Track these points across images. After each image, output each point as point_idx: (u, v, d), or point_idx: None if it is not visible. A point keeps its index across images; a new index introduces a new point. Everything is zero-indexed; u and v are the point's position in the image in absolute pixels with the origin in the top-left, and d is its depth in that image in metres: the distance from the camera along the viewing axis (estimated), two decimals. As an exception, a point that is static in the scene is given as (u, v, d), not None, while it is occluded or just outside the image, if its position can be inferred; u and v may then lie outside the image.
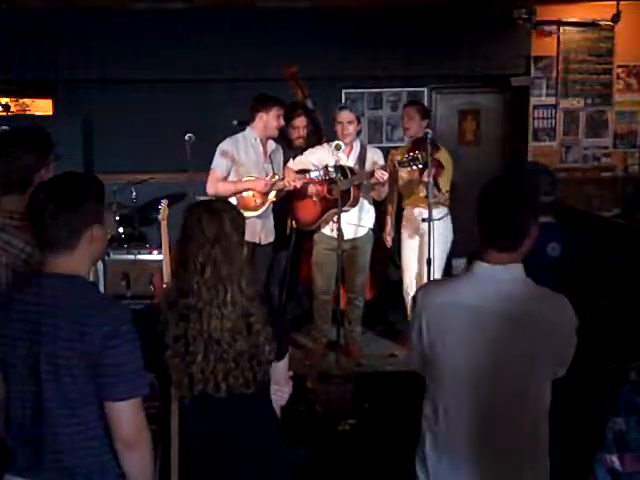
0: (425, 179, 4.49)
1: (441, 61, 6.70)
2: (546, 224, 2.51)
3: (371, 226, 4.94)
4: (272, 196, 4.72)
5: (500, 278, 2.01)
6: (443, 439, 2.07)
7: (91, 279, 2.11)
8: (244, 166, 4.67)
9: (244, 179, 4.65)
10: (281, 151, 4.91)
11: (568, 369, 2.08)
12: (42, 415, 1.88)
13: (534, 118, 7.02)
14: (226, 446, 2.10)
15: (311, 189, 4.82)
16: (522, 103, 7.05)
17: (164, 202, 4.28)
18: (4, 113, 6.62)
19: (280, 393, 2.28)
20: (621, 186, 6.96)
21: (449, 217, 4.93)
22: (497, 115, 7.31)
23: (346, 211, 4.68)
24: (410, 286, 4.98)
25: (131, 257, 5.55)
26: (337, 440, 3.77)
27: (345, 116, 4.74)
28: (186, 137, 4.68)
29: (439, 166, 4.66)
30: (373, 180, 4.63)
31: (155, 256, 5.43)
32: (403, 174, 4.90)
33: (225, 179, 4.66)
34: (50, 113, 6.73)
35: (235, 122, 5.03)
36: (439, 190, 4.68)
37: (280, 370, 2.23)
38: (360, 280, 4.99)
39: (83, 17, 6.29)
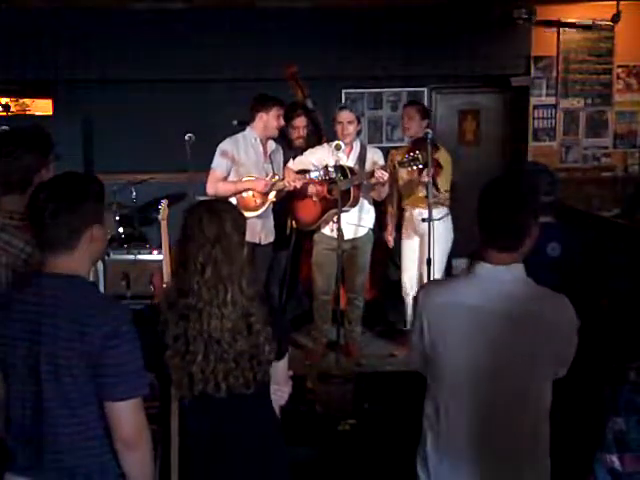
0: (424, 179, 4.50)
1: (441, 61, 6.70)
2: (546, 224, 2.51)
3: (371, 226, 4.93)
4: (272, 196, 4.72)
5: (503, 279, 2.01)
6: (444, 439, 2.08)
7: (91, 279, 2.11)
8: (244, 166, 4.67)
9: (244, 179, 4.65)
10: (281, 151, 4.91)
11: (569, 369, 2.08)
12: (42, 415, 1.88)
13: (534, 118, 7.02)
14: (226, 446, 2.10)
15: (311, 189, 4.81)
16: (522, 103, 7.04)
17: (164, 202, 4.29)
18: (4, 113, 6.62)
19: (280, 393, 2.28)
20: (621, 186, 6.96)
21: (449, 217, 4.93)
22: (497, 115, 7.30)
23: (346, 211, 4.67)
24: (410, 286, 4.99)
25: (131, 257, 5.55)
26: (337, 440, 3.77)
27: (345, 116, 4.74)
28: (186, 137, 4.69)
29: (437, 166, 4.65)
30: (373, 180, 4.63)
31: (155, 256, 5.43)
32: (403, 174, 4.90)
33: (225, 179, 4.65)
34: (50, 113, 6.73)
35: (235, 122, 5.04)
36: (438, 190, 4.68)
37: (280, 370, 2.23)
38: (360, 280, 4.99)
39: (83, 17, 6.29)
